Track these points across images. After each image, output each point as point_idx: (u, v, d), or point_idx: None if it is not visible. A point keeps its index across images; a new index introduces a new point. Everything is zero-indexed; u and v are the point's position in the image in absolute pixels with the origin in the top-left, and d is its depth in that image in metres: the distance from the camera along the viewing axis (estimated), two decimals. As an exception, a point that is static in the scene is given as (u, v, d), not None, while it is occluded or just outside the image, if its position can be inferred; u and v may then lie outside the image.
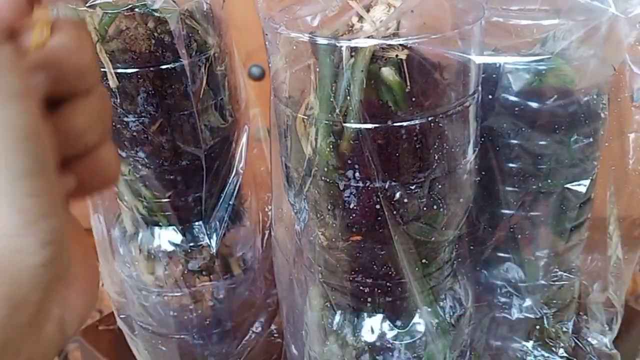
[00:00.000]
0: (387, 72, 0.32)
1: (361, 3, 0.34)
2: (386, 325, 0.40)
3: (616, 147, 0.45)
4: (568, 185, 0.44)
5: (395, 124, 0.33)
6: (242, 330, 0.60)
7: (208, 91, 0.49)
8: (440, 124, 0.34)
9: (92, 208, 0.56)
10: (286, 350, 0.50)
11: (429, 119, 0.33)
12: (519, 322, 0.50)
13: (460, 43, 0.34)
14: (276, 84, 0.37)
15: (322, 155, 0.35)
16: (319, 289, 0.42)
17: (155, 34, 0.45)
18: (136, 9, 0.44)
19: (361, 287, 0.40)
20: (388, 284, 0.39)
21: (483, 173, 0.42)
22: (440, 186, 0.36)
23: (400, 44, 0.32)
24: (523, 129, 0.42)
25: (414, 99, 0.33)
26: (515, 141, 0.43)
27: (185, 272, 0.55)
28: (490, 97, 0.42)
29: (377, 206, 0.35)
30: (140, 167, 0.50)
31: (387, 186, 0.34)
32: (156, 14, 0.44)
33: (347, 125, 0.33)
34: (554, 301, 0.49)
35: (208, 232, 0.54)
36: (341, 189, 0.35)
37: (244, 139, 0.54)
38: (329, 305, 0.42)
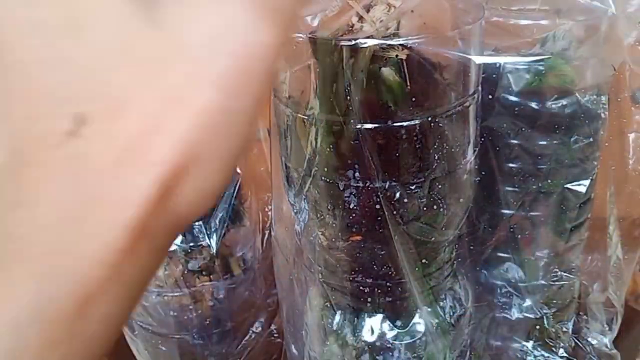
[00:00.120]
0: (387, 72, 0.32)
1: (361, 3, 0.34)
2: (386, 325, 0.40)
3: (616, 147, 0.45)
4: (568, 185, 0.44)
5: (395, 124, 0.33)
6: (242, 330, 0.60)
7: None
8: (440, 124, 0.34)
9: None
10: (286, 350, 0.50)
11: (429, 119, 0.33)
12: (519, 322, 0.50)
13: (460, 43, 0.34)
14: (276, 84, 0.37)
15: (322, 155, 0.35)
16: (319, 289, 0.42)
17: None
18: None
19: (361, 287, 0.40)
20: (388, 284, 0.39)
21: (483, 173, 0.42)
22: (440, 186, 0.36)
23: (400, 44, 0.32)
24: (523, 129, 0.42)
25: (414, 99, 0.33)
26: (515, 141, 0.43)
27: (185, 272, 0.54)
28: (490, 97, 0.41)
29: (377, 206, 0.35)
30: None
31: (387, 186, 0.34)
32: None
33: (347, 125, 0.33)
34: (554, 301, 0.49)
35: (208, 232, 0.54)
36: (341, 189, 0.35)
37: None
38: (329, 305, 0.42)
